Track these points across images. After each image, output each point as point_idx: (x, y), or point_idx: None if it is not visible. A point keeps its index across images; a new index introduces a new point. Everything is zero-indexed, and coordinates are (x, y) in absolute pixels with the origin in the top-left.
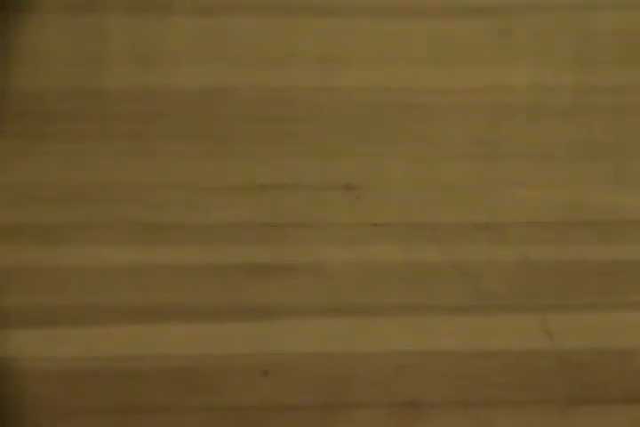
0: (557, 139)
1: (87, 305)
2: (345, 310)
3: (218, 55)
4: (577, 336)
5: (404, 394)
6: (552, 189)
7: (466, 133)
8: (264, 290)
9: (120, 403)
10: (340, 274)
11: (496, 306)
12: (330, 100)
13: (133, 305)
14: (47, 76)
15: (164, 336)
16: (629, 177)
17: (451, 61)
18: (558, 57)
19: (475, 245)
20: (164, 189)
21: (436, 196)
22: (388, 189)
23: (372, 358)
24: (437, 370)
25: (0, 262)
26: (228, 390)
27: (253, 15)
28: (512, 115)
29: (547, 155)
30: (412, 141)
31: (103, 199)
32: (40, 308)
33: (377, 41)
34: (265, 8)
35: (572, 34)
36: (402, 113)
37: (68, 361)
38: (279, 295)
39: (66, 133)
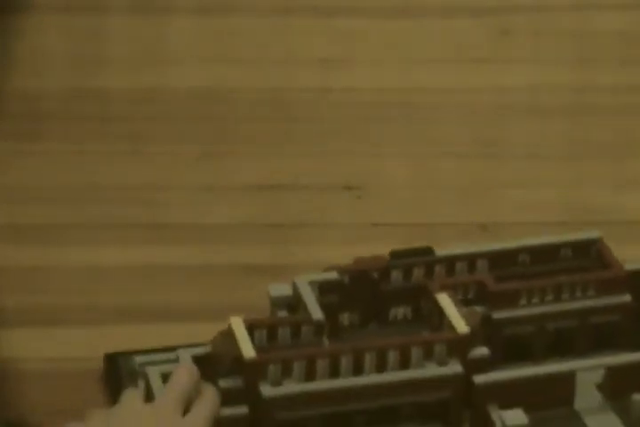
0: (557, 139)
1: (87, 305)
2: None
3: (218, 55)
4: None
5: None
6: (552, 189)
7: (465, 133)
8: (264, 290)
9: None
10: None
11: None
12: (330, 100)
13: (133, 305)
14: (46, 76)
15: (164, 336)
16: (629, 177)
17: (451, 61)
18: (558, 57)
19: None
20: (164, 189)
21: (436, 196)
22: (388, 189)
23: None
24: None
25: (0, 262)
26: None
27: (253, 15)
28: (512, 115)
29: (546, 155)
30: (412, 141)
31: (103, 200)
32: (40, 308)
33: (377, 41)
34: (265, 8)
35: (572, 34)
36: (402, 113)
37: (68, 361)
38: None
39: (66, 134)
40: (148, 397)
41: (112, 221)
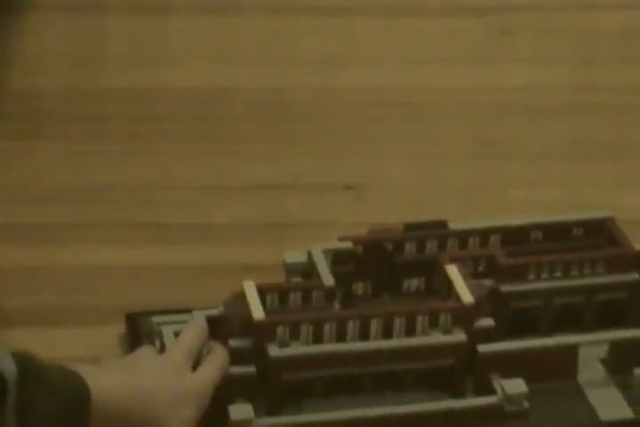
0: (557, 138)
1: (87, 305)
2: None
3: (218, 55)
4: None
5: None
6: (552, 189)
7: (466, 133)
8: None
9: None
10: None
11: None
12: (330, 100)
13: (133, 305)
14: (46, 76)
15: None
16: (629, 177)
17: (451, 61)
18: (558, 57)
19: None
20: (164, 189)
21: (436, 196)
22: (388, 189)
23: None
24: None
25: (0, 262)
26: None
27: (253, 15)
28: (512, 115)
29: (546, 155)
30: (412, 141)
31: (103, 199)
32: (40, 308)
33: (377, 41)
34: (265, 8)
35: (572, 34)
36: (401, 113)
37: (68, 361)
38: None
39: (66, 134)
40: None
41: (112, 221)
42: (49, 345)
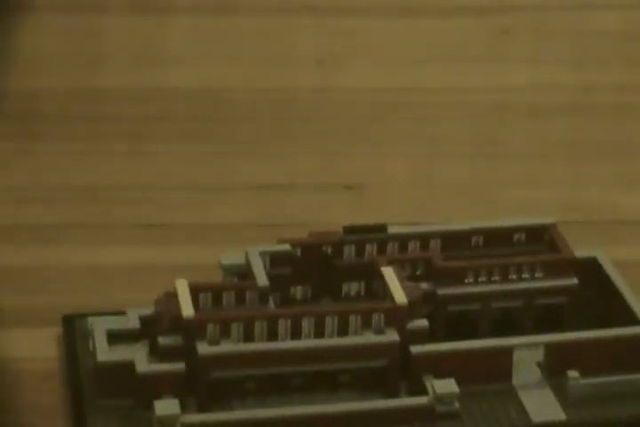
0: (557, 138)
1: (87, 305)
2: None
3: (218, 55)
4: None
5: None
6: (552, 189)
7: (465, 133)
8: None
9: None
10: None
11: None
12: (330, 100)
13: (133, 305)
14: (46, 76)
15: None
16: (629, 177)
17: (451, 61)
18: (558, 57)
19: None
20: (164, 189)
21: (436, 196)
22: (388, 189)
23: None
24: None
25: (0, 262)
26: None
27: (253, 15)
28: (512, 115)
29: (547, 155)
30: (412, 141)
31: (103, 199)
32: (40, 308)
33: (377, 41)
34: (265, 8)
35: (571, 34)
36: (402, 113)
37: None
38: None
39: (66, 134)
40: (94, 354)
41: (112, 221)
42: (49, 345)
